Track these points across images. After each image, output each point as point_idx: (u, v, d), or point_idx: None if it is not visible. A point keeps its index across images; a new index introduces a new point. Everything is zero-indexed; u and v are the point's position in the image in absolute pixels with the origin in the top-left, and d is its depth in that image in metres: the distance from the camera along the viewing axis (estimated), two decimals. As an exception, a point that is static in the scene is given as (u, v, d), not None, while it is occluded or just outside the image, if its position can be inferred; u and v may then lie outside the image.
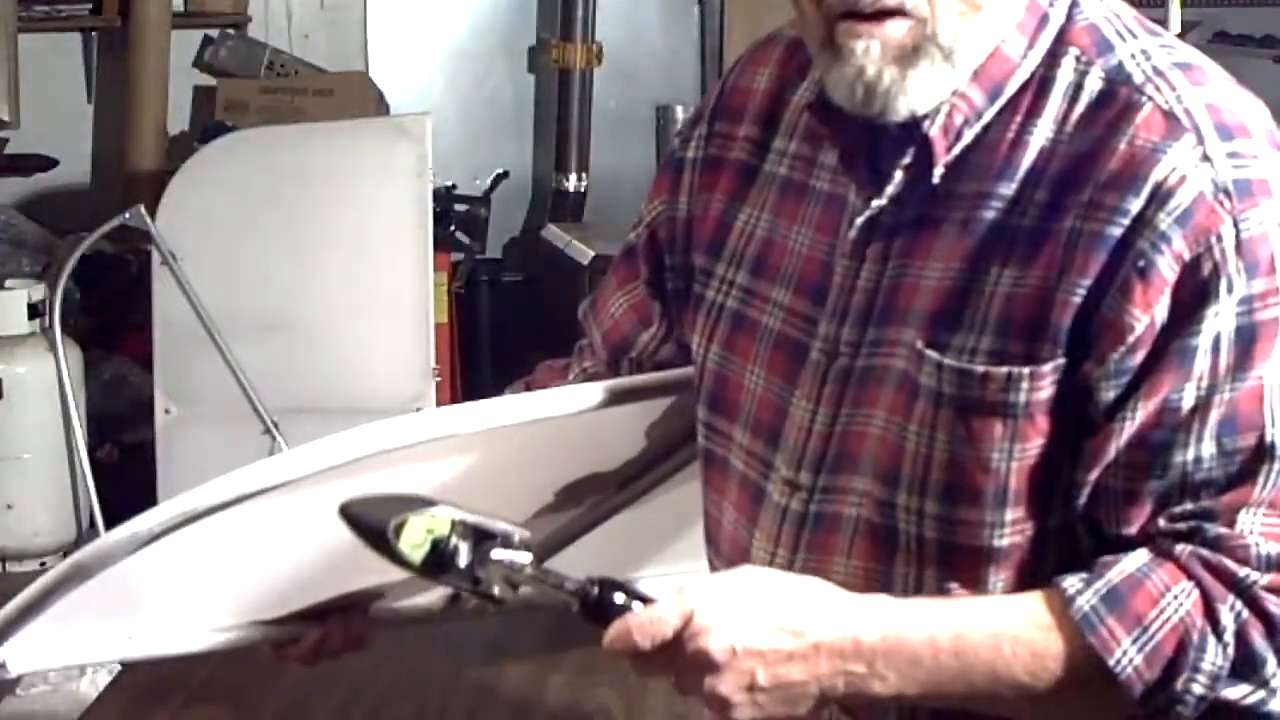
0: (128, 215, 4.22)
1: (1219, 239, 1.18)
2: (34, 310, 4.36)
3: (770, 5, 5.24)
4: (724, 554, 1.42)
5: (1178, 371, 1.19)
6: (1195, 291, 1.18)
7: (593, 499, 1.58)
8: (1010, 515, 1.24)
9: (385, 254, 4.23)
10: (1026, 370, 1.21)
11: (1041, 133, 1.25)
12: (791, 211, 1.38)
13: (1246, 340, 1.19)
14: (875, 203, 1.30)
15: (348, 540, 1.40)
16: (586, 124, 5.64)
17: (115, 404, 4.69)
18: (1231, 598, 1.19)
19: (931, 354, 1.25)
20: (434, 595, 1.63)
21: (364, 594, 1.57)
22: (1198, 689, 1.19)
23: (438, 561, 1.22)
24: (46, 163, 5.18)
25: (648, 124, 5.78)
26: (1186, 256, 1.18)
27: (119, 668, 2.11)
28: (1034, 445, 1.23)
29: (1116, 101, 1.23)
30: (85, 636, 1.44)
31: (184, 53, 5.33)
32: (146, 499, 4.84)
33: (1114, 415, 1.21)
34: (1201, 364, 1.19)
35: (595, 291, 1.64)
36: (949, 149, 1.27)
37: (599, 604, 1.21)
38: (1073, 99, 1.25)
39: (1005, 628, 1.21)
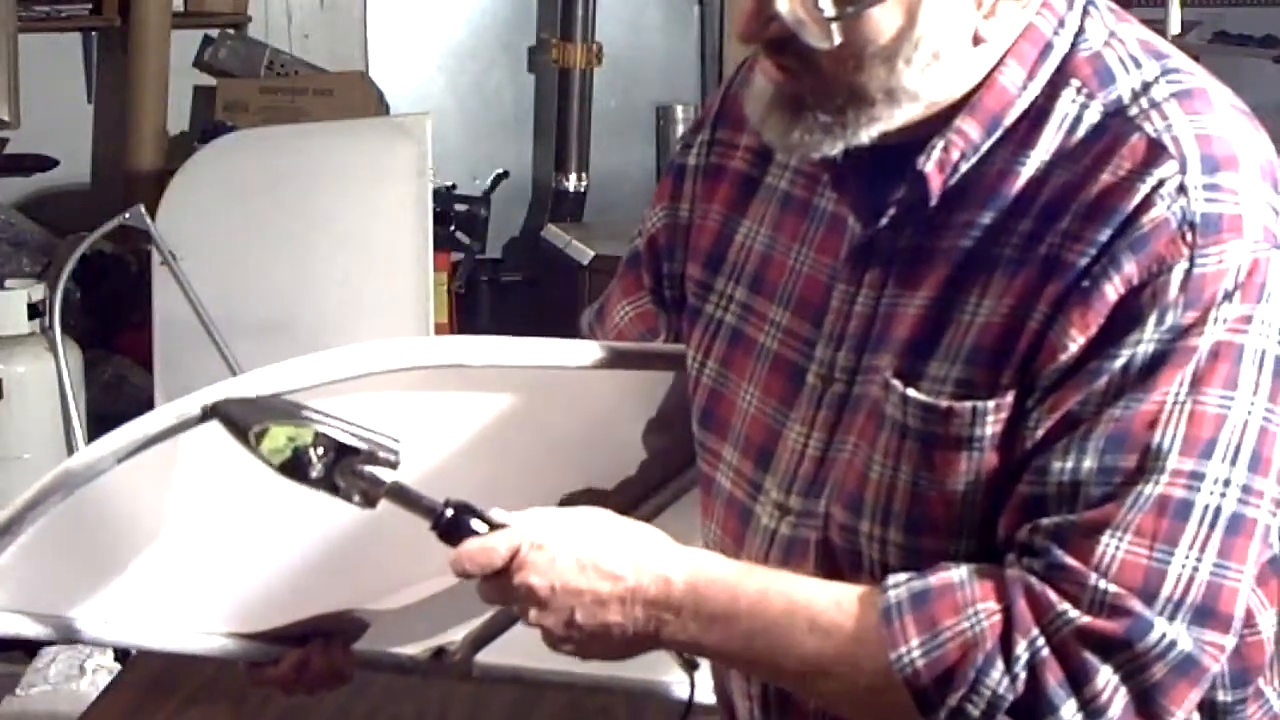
0: (128, 215, 4.21)
1: (1168, 271, 1.16)
2: (34, 310, 4.36)
3: (770, 5, 5.25)
4: None
5: (1086, 387, 1.17)
6: (1128, 316, 1.16)
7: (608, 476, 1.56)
8: (973, 545, 1.23)
9: (385, 254, 4.22)
10: (991, 404, 1.20)
11: (1034, 163, 1.23)
12: (793, 229, 1.37)
13: (1157, 363, 1.16)
14: (867, 230, 1.29)
15: (335, 548, 1.39)
16: (586, 124, 5.63)
17: (115, 404, 4.69)
18: (1035, 631, 1.16)
19: (896, 385, 1.24)
20: (418, 648, 1.62)
21: (348, 620, 1.54)
22: (974, 710, 1.16)
23: (295, 466, 1.25)
24: (46, 163, 5.17)
25: (648, 124, 5.78)
26: (1134, 281, 1.16)
27: (119, 668, 2.11)
28: (997, 475, 1.21)
29: (1110, 134, 1.21)
30: (64, 599, 1.42)
31: (184, 53, 5.32)
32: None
33: (1024, 426, 1.19)
34: (1108, 381, 1.17)
35: (600, 299, 1.63)
36: (945, 183, 1.25)
37: (450, 525, 1.25)
38: (1070, 131, 1.23)
39: (808, 603, 1.22)
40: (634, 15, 5.79)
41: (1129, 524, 1.16)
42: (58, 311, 4.30)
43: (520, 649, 1.56)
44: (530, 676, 1.67)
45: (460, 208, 5.10)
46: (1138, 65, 1.24)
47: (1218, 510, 1.16)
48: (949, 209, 1.25)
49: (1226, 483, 1.16)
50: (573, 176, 5.62)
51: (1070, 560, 1.16)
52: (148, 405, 4.38)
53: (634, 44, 5.80)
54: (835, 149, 1.24)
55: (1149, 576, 1.15)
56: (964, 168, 1.25)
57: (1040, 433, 1.18)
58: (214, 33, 5.38)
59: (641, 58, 5.82)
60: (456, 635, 1.64)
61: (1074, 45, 1.25)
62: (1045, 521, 1.18)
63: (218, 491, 1.37)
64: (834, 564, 1.29)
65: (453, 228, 5.01)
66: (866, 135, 1.23)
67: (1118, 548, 1.15)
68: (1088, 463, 1.17)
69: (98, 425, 4.55)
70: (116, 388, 4.72)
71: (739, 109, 1.42)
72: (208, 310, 4.19)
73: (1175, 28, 5.30)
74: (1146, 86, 1.23)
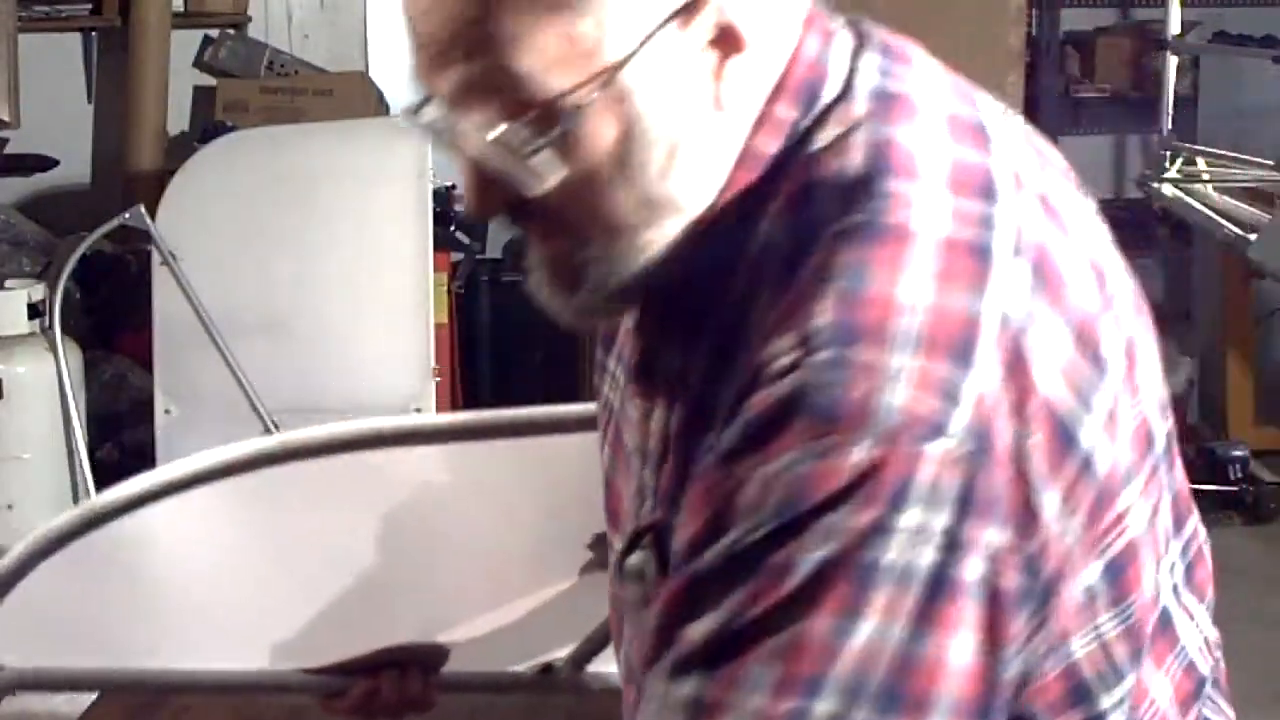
0: (128, 215, 4.21)
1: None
2: (34, 310, 4.36)
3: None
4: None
5: None
6: None
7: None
8: None
9: (385, 254, 4.22)
10: None
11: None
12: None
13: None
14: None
15: (397, 579, 1.38)
16: (586, 124, 5.62)
17: (115, 404, 4.69)
18: None
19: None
20: (507, 659, 1.59)
21: (424, 650, 1.51)
22: None
23: None
24: (46, 163, 5.17)
25: (648, 124, 5.78)
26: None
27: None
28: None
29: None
30: (108, 642, 1.42)
31: (184, 53, 5.32)
32: (146, 499, 4.73)
33: None
34: None
35: None
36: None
37: None
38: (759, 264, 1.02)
39: None
40: (634, 15, 5.79)
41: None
42: (58, 311, 4.29)
43: None
44: None
45: (460, 208, 5.09)
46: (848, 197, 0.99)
47: None
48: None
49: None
50: (573, 176, 5.61)
51: None
52: (148, 405, 4.39)
53: (634, 44, 5.79)
54: (631, 301, 1.07)
55: None
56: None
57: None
58: (214, 33, 5.38)
59: (641, 58, 5.82)
60: (559, 652, 1.62)
61: (809, 135, 1.02)
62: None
63: (270, 529, 1.36)
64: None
65: (453, 228, 5.00)
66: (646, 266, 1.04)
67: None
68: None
69: (98, 425, 4.55)
70: (116, 388, 4.71)
71: None
72: (208, 310, 4.19)
73: (1175, 28, 5.30)
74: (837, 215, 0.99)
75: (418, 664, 1.51)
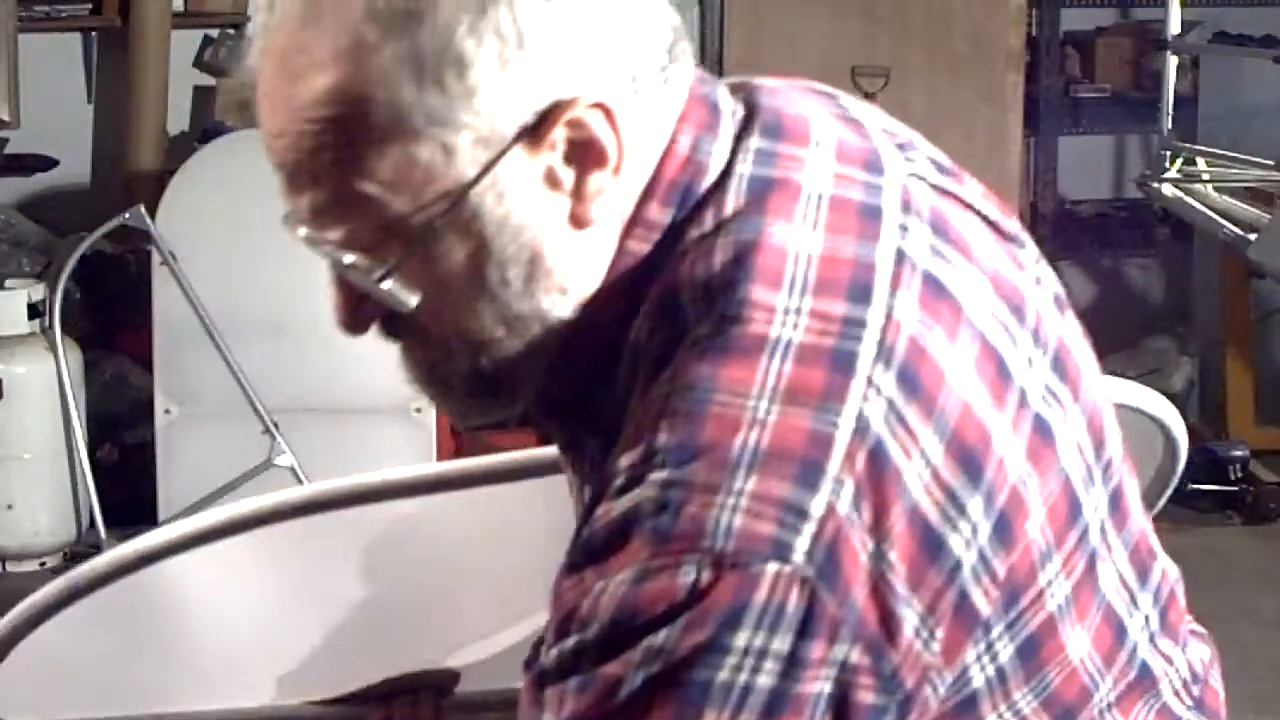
0: (128, 215, 4.22)
1: None
2: (34, 310, 4.36)
3: (770, 5, 5.25)
4: None
5: None
6: None
7: None
8: None
9: (385, 254, 4.22)
10: None
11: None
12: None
13: None
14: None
15: (402, 606, 1.38)
16: (586, 124, 5.63)
17: (115, 404, 4.69)
18: None
19: None
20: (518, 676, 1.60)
21: (434, 676, 1.51)
22: None
23: None
24: (46, 163, 5.17)
25: (648, 124, 5.78)
26: None
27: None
28: None
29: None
30: (123, 684, 1.42)
31: (184, 53, 5.32)
32: (146, 499, 4.82)
33: None
34: None
35: None
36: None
37: None
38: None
39: None
40: (634, 15, 5.79)
41: None
42: (58, 311, 4.30)
43: None
44: None
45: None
46: (707, 302, 0.97)
47: None
48: None
49: None
50: (573, 176, 5.61)
51: None
52: (148, 405, 4.40)
53: (634, 44, 5.79)
54: (510, 407, 1.07)
55: None
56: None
57: None
58: (214, 33, 5.38)
59: (641, 58, 5.82)
60: None
61: (681, 233, 1.01)
62: None
63: (278, 574, 1.36)
64: None
65: (453, 228, 5.00)
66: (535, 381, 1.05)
67: None
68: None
69: (98, 425, 4.55)
70: (116, 388, 4.72)
71: None
72: (208, 310, 4.19)
73: (1175, 28, 5.30)
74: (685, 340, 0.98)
75: (430, 689, 1.51)
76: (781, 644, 0.89)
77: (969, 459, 0.95)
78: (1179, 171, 5.26)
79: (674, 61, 1.03)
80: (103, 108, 5.36)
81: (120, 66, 5.20)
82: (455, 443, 4.28)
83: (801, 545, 0.90)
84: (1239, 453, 4.99)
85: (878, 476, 0.92)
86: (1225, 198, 5.06)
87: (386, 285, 1.00)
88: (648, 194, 1.02)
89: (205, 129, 4.98)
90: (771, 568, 0.89)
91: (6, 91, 4.74)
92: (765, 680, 0.89)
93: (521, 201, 0.99)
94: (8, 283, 4.45)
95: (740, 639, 0.89)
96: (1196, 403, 5.65)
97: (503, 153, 0.98)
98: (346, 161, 0.98)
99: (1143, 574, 1.09)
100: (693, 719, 0.89)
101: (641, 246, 1.01)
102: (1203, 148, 5.31)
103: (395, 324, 1.04)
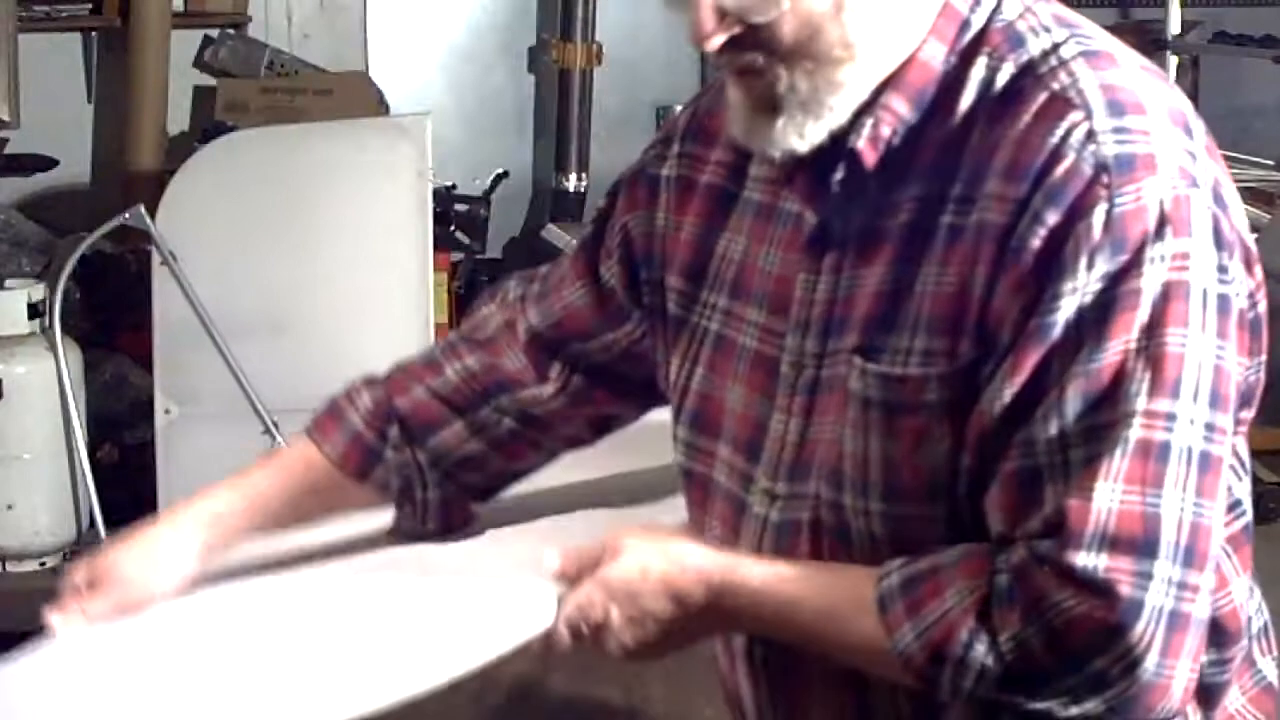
0: (128, 215, 4.21)
1: (1089, 215, 1.19)
2: (34, 310, 4.35)
3: (770, 5, 5.25)
4: None
5: (1038, 348, 1.20)
6: (1059, 266, 1.20)
7: None
8: (949, 509, 1.27)
9: (385, 254, 4.22)
10: (946, 370, 1.25)
11: (957, 130, 1.28)
12: (761, 234, 1.41)
13: (1104, 313, 1.19)
14: (816, 216, 1.34)
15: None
16: (586, 124, 5.63)
17: (115, 404, 4.69)
18: (1024, 609, 1.18)
19: (857, 360, 1.29)
20: None
21: None
22: (966, 683, 1.20)
23: None
24: (46, 163, 5.17)
25: (648, 124, 5.78)
26: (1057, 232, 1.20)
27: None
28: (961, 440, 1.25)
29: (1021, 94, 1.25)
30: None
31: (184, 53, 5.32)
32: (146, 499, 4.80)
33: (986, 398, 1.23)
34: (1061, 340, 1.20)
35: (541, 274, 1.64)
36: (880, 158, 1.30)
37: None
38: (983, 94, 1.27)
39: (829, 603, 1.27)
40: (634, 15, 5.79)
41: (1119, 472, 1.18)
42: (58, 311, 4.30)
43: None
44: None
45: (460, 208, 5.09)
46: (1047, 30, 1.29)
47: (1190, 449, 1.19)
48: (891, 187, 1.30)
49: (1193, 421, 1.20)
50: (573, 176, 5.62)
51: (1071, 526, 1.18)
52: (148, 405, 4.39)
53: (634, 44, 5.79)
54: (819, 133, 1.30)
55: (1147, 524, 1.18)
56: (896, 143, 1.30)
57: (1007, 397, 1.21)
58: (214, 33, 5.38)
59: (641, 58, 5.82)
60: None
61: (989, 19, 1.31)
62: (1046, 493, 1.20)
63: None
64: (825, 542, 1.33)
65: (453, 228, 5.00)
66: (840, 106, 1.29)
67: (1112, 501, 1.18)
68: (1069, 425, 1.19)
69: (98, 425, 4.55)
70: (116, 388, 4.71)
71: (711, 125, 1.47)
72: (208, 310, 4.19)
73: (1175, 28, 5.30)
74: (1055, 47, 1.28)
75: None
76: (1215, 255, 1.23)
77: (1249, 257, 1.27)
78: (1179, 171, 5.24)
79: None
80: (103, 108, 5.36)
81: (120, 66, 5.20)
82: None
83: (1204, 181, 1.25)
84: (1239, 453, 4.98)
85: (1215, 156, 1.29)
86: (1225, 198, 5.05)
87: None
88: (941, 16, 1.30)
89: (205, 129, 4.98)
90: (1197, 193, 1.23)
91: (6, 91, 4.74)
92: (1209, 284, 1.22)
93: None
94: (8, 283, 4.44)
95: (1197, 246, 1.22)
96: (1196, 403, 5.64)
97: None
98: None
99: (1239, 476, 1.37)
100: (1188, 313, 1.20)
101: (963, 8, 1.31)
102: (1203, 148, 5.30)
103: (751, 43, 1.27)
